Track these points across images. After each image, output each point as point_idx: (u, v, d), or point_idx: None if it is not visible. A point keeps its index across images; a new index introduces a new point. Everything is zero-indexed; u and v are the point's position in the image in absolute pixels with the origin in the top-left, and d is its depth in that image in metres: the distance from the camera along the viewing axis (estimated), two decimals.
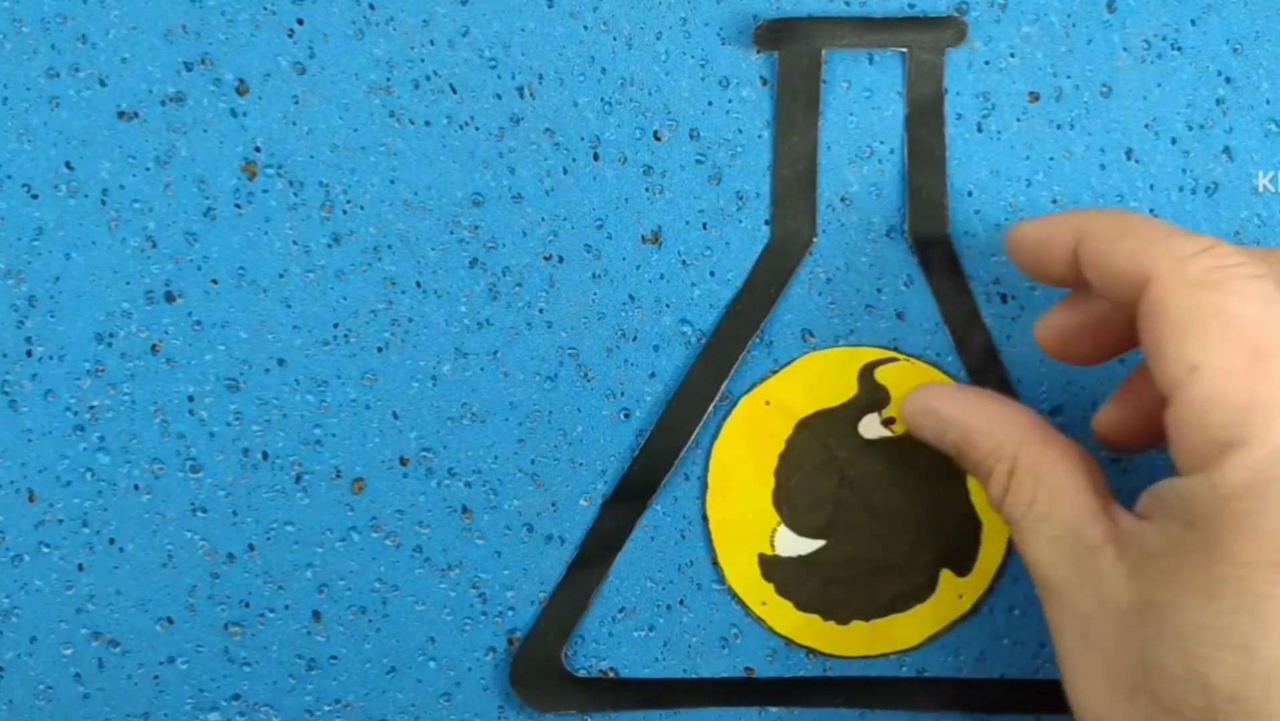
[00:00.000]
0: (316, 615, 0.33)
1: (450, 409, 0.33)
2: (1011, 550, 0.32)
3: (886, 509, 0.32)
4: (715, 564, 0.33)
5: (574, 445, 0.33)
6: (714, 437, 0.33)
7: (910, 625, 0.32)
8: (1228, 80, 0.32)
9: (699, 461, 0.33)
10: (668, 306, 0.32)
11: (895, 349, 0.32)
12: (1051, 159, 0.32)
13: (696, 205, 0.32)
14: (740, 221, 0.32)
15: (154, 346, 0.32)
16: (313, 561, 0.33)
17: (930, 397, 0.31)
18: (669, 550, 0.33)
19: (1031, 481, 0.28)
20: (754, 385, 0.33)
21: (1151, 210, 0.32)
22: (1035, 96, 0.32)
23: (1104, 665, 0.27)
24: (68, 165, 0.32)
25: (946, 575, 0.32)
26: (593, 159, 0.32)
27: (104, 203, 0.32)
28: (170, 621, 0.33)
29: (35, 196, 0.32)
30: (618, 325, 0.33)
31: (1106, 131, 0.32)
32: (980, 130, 0.32)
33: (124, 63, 0.32)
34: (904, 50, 0.32)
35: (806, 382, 0.32)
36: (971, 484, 0.32)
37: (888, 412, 0.32)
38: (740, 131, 0.32)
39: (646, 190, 0.32)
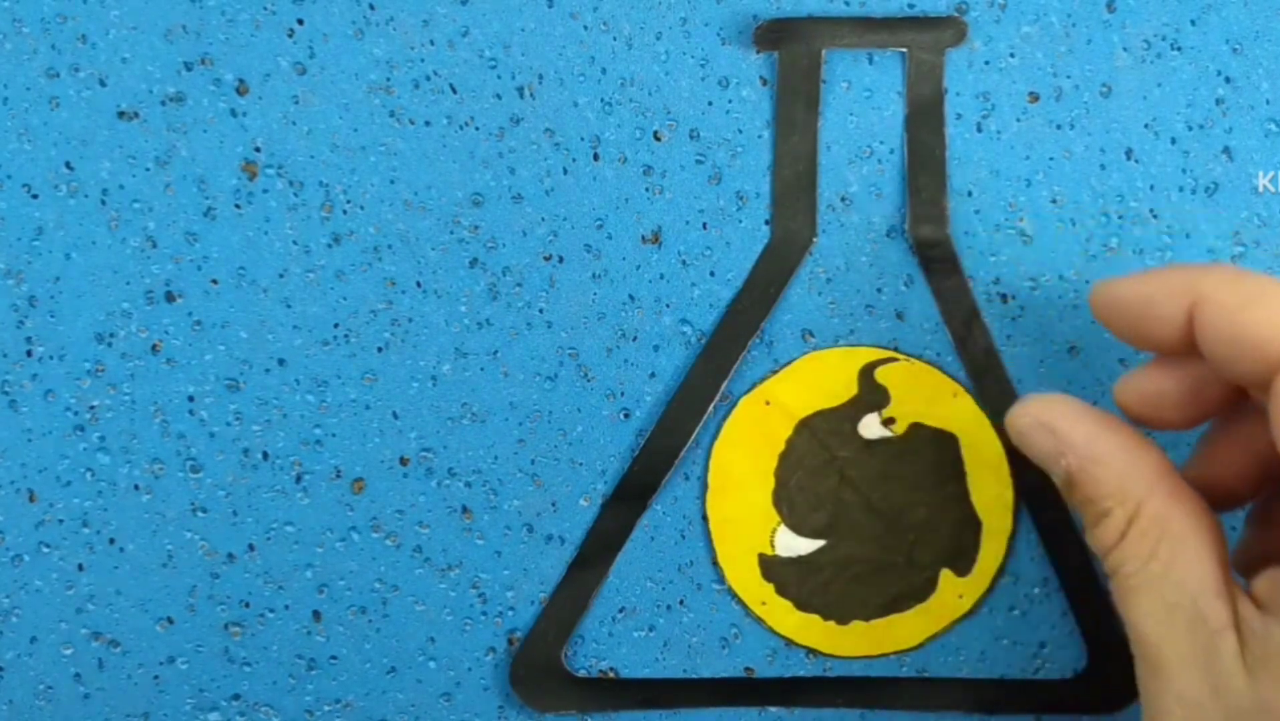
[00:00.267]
0: (316, 615, 0.33)
1: (450, 409, 0.32)
2: (1011, 550, 0.32)
3: (886, 509, 0.32)
4: (715, 564, 0.33)
5: (574, 445, 0.33)
6: (714, 437, 0.33)
7: (910, 625, 0.32)
8: (1228, 80, 0.32)
9: (699, 461, 0.33)
10: (668, 306, 0.32)
11: (895, 349, 0.32)
12: (1051, 159, 0.32)
13: (696, 205, 0.32)
14: (740, 221, 0.32)
15: (154, 346, 0.32)
16: (313, 561, 0.33)
17: (1050, 413, 0.27)
18: (669, 550, 0.33)
19: (1155, 535, 0.25)
20: (754, 385, 0.33)
21: (1151, 210, 0.32)
22: (1035, 96, 0.32)
23: None
24: (68, 165, 0.32)
25: (946, 575, 0.32)
26: (593, 159, 0.32)
27: (104, 203, 0.32)
28: (170, 621, 0.33)
29: (35, 196, 0.32)
30: (618, 325, 0.32)
31: (1106, 131, 0.32)
32: (980, 130, 0.32)
33: (124, 63, 0.32)
34: (904, 50, 0.32)
35: (806, 383, 0.32)
36: (972, 484, 0.32)
37: (888, 412, 0.32)
38: (740, 131, 0.32)
39: (646, 190, 0.32)
